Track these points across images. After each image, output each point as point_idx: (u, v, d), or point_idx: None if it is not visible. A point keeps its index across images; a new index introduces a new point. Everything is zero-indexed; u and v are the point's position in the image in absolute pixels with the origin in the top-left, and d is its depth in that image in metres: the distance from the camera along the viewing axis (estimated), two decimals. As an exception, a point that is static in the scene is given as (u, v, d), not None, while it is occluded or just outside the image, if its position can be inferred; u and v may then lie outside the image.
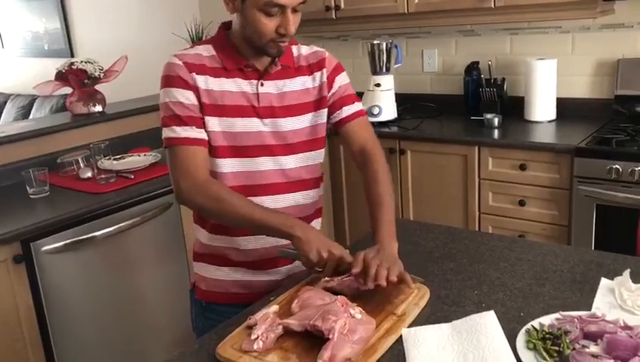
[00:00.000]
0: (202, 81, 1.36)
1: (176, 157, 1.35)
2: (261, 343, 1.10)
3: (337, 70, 1.51)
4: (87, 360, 2.19)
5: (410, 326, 1.16)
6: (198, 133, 1.35)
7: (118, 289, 2.27)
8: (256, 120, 1.39)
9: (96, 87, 2.95)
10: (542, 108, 2.88)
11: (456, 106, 3.19)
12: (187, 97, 1.35)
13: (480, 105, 3.02)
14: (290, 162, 1.44)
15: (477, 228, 2.80)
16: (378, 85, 3.14)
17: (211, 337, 1.19)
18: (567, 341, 1.01)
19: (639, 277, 1.25)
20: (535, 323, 1.11)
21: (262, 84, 1.40)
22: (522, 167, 2.60)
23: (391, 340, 1.12)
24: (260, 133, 1.40)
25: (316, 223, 1.55)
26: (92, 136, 2.77)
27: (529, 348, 1.04)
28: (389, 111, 3.15)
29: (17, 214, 2.15)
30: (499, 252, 1.50)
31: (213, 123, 1.37)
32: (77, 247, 2.12)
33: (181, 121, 1.34)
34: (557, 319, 1.11)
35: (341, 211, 3.30)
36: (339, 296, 1.18)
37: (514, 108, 2.98)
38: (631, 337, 0.98)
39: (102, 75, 2.89)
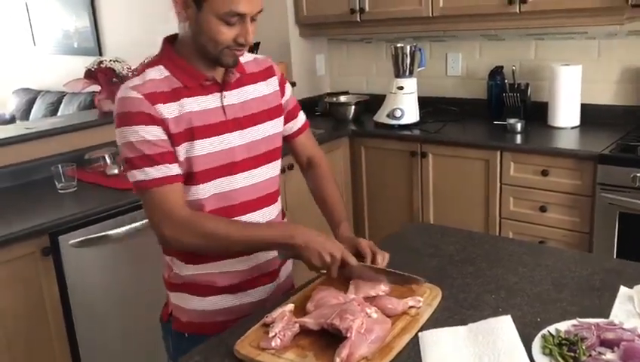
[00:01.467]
0: (167, 110, 1.27)
1: (152, 201, 1.27)
2: (279, 341, 1.12)
3: (283, 77, 1.52)
4: (108, 350, 2.24)
5: (423, 325, 1.18)
6: (172, 170, 1.27)
7: (139, 284, 2.31)
8: (226, 135, 1.33)
9: (124, 85, 3.01)
10: (566, 114, 2.87)
11: (478, 110, 3.19)
12: (154, 133, 1.25)
13: (503, 110, 3.01)
14: (260, 174, 1.41)
15: (497, 233, 2.79)
16: (401, 88, 3.15)
17: (229, 334, 1.22)
18: (584, 347, 1.01)
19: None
20: (552, 328, 1.11)
21: (224, 96, 1.35)
22: (544, 173, 2.60)
23: (406, 339, 1.14)
24: (231, 150, 1.34)
25: None
26: (119, 133, 2.83)
27: (545, 354, 1.05)
28: (411, 114, 3.15)
29: (46, 208, 2.21)
30: (518, 257, 1.50)
31: (187, 150, 1.29)
32: (102, 241, 2.17)
33: (152, 161, 1.25)
34: (574, 325, 1.11)
35: (361, 213, 3.32)
36: (355, 296, 1.20)
37: (537, 113, 2.97)
38: (647, 345, 0.98)
39: (129, 73, 2.95)
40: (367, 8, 3.25)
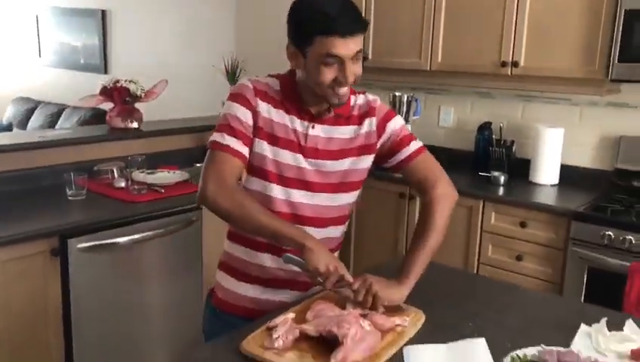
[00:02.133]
0: (264, 107, 1.48)
1: (213, 160, 1.45)
2: (281, 342, 1.27)
3: (387, 117, 1.60)
4: (102, 352, 2.34)
5: (408, 341, 1.34)
6: (242, 148, 1.46)
7: (136, 292, 2.44)
8: (299, 156, 1.51)
9: (136, 105, 3.18)
10: (546, 172, 3.08)
11: (465, 161, 3.40)
12: (245, 115, 1.47)
13: (489, 163, 3.22)
14: (325, 200, 1.55)
15: (475, 277, 2.97)
16: (395, 133, 3.35)
17: (236, 335, 1.36)
18: (545, 368, 1.18)
19: (615, 327, 1.42)
20: (520, 352, 1.28)
21: (312, 127, 1.51)
22: (522, 225, 2.79)
23: (392, 351, 1.29)
24: (301, 169, 1.51)
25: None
26: (126, 149, 2.98)
27: (512, 371, 1.21)
28: (403, 158, 3.35)
29: (56, 212, 2.34)
30: (495, 295, 1.68)
31: (264, 147, 1.49)
32: (107, 248, 2.30)
33: (231, 132, 1.46)
34: (539, 351, 1.28)
35: (348, 247, 3.47)
36: (351, 310, 1.36)
37: (521, 169, 3.18)
38: (599, 370, 1.15)
39: (142, 94, 3.12)
40: (370, 56, 3.49)
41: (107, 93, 3.07)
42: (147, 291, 2.50)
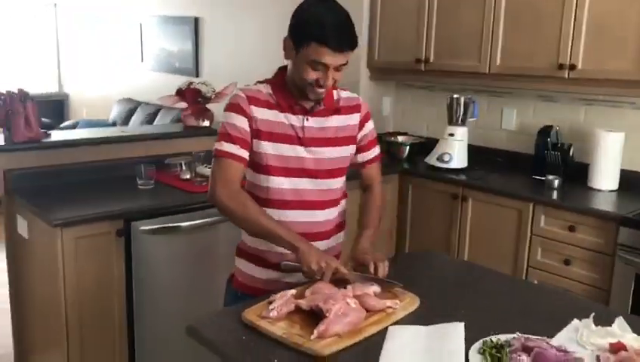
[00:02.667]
0: (258, 112, 1.69)
1: (218, 166, 1.68)
2: (275, 313, 1.44)
3: (368, 116, 1.87)
4: (159, 328, 2.61)
5: (395, 322, 1.46)
6: (241, 152, 1.67)
7: (193, 273, 2.69)
8: (299, 147, 1.72)
9: (208, 105, 3.46)
10: (605, 177, 3.01)
11: (524, 164, 3.38)
12: (241, 122, 1.67)
13: (544, 167, 3.19)
14: (324, 184, 1.76)
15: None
16: (452, 135, 3.41)
17: (242, 306, 1.53)
18: (508, 351, 1.26)
19: (608, 324, 1.45)
20: (494, 337, 1.36)
21: (307, 120, 1.73)
22: (571, 229, 2.76)
23: (376, 328, 1.42)
24: (301, 159, 1.72)
25: (339, 236, 1.88)
26: (197, 145, 3.25)
27: (479, 353, 1.30)
28: (459, 160, 3.40)
29: (125, 198, 2.64)
30: (500, 287, 1.74)
31: (266, 147, 1.69)
32: (167, 231, 2.56)
33: (229, 139, 1.67)
34: (514, 337, 1.35)
35: (403, 247, 3.57)
36: (341, 289, 1.50)
37: (579, 173, 3.12)
38: (557, 355, 1.21)
39: (213, 95, 3.39)
40: (431, 59, 3.56)
41: (182, 93, 3.37)
42: (203, 273, 2.74)
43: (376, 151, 1.92)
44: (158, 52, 6.61)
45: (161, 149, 3.19)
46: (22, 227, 2.66)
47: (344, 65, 1.64)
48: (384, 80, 4.06)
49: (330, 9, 1.63)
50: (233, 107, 1.70)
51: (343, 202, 1.88)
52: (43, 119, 6.57)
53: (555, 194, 2.97)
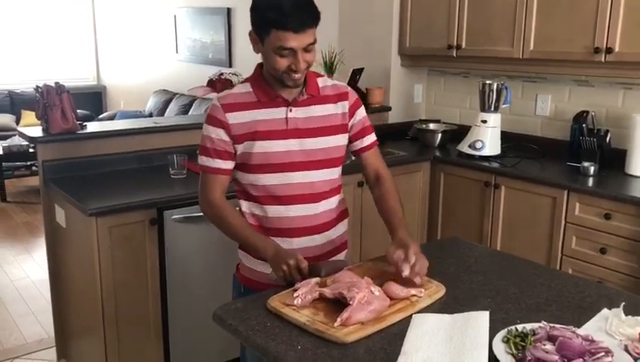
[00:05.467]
0: (236, 117, 1.66)
1: (200, 181, 1.74)
2: (300, 300, 1.45)
3: (357, 103, 1.81)
4: (192, 314, 2.67)
5: (420, 311, 1.45)
6: (217, 164, 1.68)
7: (223, 260, 2.72)
8: (286, 141, 1.68)
9: (238, 95, 3.49)
10: (643, 163, 2.93)
11: (560, 151, 3.31)
12: (217, 134, 1.67)
13: (580, 153, 3.12)
14: (315, 176, 1.73)
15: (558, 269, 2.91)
16: (484, 122, 3.36)
17: (265, 294, 1.55)
18: (532, 339, 1.24)
19: (635, 313, 1.42)
20: (520, 326, 1.34)
21: (290, 110, 1.69)
22: (607, 216, 2.70)
23: (400, 316, 1.42)
24: (288, 153, 1.68)
25: (343, 224, 1.87)
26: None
27: (503, 341, 1.28)
28: (492, 147, 3.35)
29: (158, 187, 2.70)
30: (527, 276, 1.71)
31: (251, 147, 1.66)
32: (198, 220, 2.60)
33: (207, 153, 1.69)
34: (539, 326, 1.33)
35: (435, 234, 3.55)
36: (365, 277, 1.50)
37: (615, 160, 3.04)
38: (583, 344, 1.19)
39: (243, 85, 3.41)
40: (463, 45, 3.51)
41: (212, 84, 3.40)
42: (232, 260, 2.77)
43: (372, 138, 1.86)
44: (192, 43, 6.69)
45: (193, 139, 3.18)
46: (60, 216, 2.74)
47: (312, 44, 1.58)
48: (415, 67, 4.02)
49: None
50: (209, 119, 1.70)
51: (340, 192, 1.85)
52: (82, 111, 6.76)
53: (590, 182, 2.90)
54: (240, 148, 1.68)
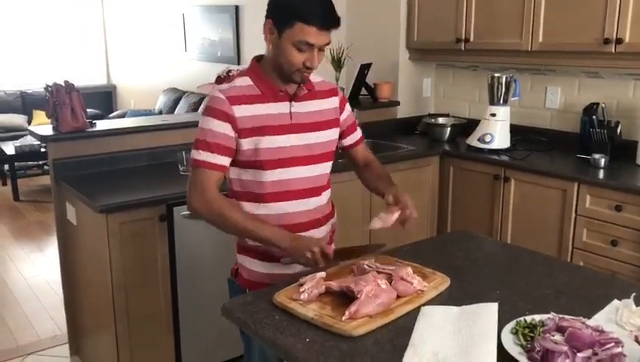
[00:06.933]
0: (241, 110, 1.62)
1: (194, 176, 1.64)
2: (306, 295, 1.45)
3: (344, 100, 1.87)
4: (202, 309, 2.68)
5: (426, 303, 1.45)
6: (218, 160, 1.62)
7: (231, 256, 2.73)
8: (289, 135, 1.68)
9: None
10: (654, 155, 2.90)
11: (570, 143, 3.28)
12: (222, 128, 1.61)
13: (590, 145, 3.09)
14: (315, 170, 1.74)
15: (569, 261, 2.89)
16: (493, 115, 3.34)
17: (272, 289, 1.55)
18: (541, 330, 1.24)
19: (647, 303, 1.41)
20: (528, 317, 1.33)
21: (293, 105, 1.70)
22: (618, 208, 2.68)
23: (407, 309, 1.42)
24: (293, 148, 1.69)
25: (334, 218, 1.88)
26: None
27: (512, 333, 1.28)
28: (501, 140, 3.33)
29: (167, 184, 2.71)
30: (535, 268, 1.71)
31: (255, 143, 1.64)
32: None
33: (207, 147, 1.61)
34: (548, 318, 1.32)
35: (444, 228, 3.53)
36: (371, 271, 1.50)
37: (626, 151, 3.02)
38: (592, 335, 1.18)
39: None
40: (471, 38, 3.49)
41: (221, 81, 3.40)
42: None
43: (359, 132, 1.94)
44: (201, 41, 6.71)
45: (202, 136, 3.24)
46: (70, 214, 2.76)
47: (327, 44, 1.61)
48: (424, 61, 4.00)
49: None
50: (213, 111, 1.63)
51: (329, 189, 1.86)
52: (92, 110, 6.81)
53: (601, 174, 2.88)
54: (245, 143, 1.65)
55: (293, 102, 1.71)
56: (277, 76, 1.67)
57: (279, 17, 1.59)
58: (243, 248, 1.81)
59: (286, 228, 1.67)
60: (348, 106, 1.89)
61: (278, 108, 1.69)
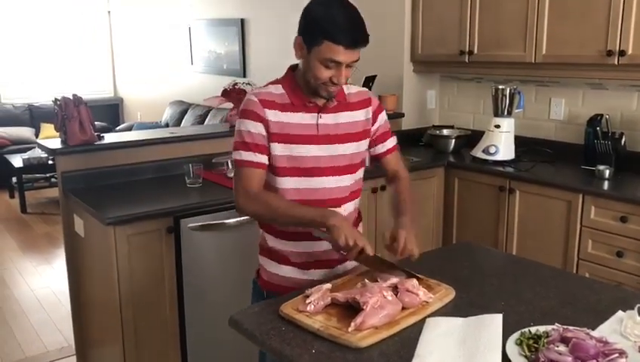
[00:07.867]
0: (272, 114, 1.68)
1: (238, 175, 1.70)
2: (312, 307, 1.47)
3: (380, 108, 1.86)
4: (209, 321, 2.69)
5: (431, 314, 1.46)
6: (259, 158, 1.68)
7: (238, 267, 2.75)
8: (315, 146, 1.71)
9: (252, 104, 3.53)
10: (660, 166, 2.91)
11: (574, 155, 3.30)
12: (257, 128, 1.67)
13: (595, 157, 3.10)
14: (339, 181, 1.76)
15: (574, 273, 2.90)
16: (498, 126, 3.36)
17: (279, 300, 1.57)
18: (545, 341, 1.25)
19: (653, 316, 1.41)
20: (533, 328, 1.34)
21: (320, 117, 1.72)
22: (623, 220, 2.68)
23: (412, 320, 1.43)
24: (317, 157, 1.72)
25: (358, 229, 1.88)
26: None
27: (517, 344, 1.29)
28: (506, 151, 3.35)
29: (175, 196, 2.73)
30: (542, 279, 1.72)
31: (278, 148, 1.68)
32: (214, 228, 2.64)
33: (247, 147, 1.67)
34: (553, 328, 1.33)
35: (450, 240, 3.54)
36: (376, 283, 1.51)
37: (631, 163, 3.03)
38: (596, 346, 1.19)
39: (257, 94, 3.45)
40: (475, 51, 3.52)
41: (227, 94, 3.45)
42: (248, 267, 2.78)
43: (393, 141, 1.92)
44: (207, 54, 6.76)
45: (208, 149, 3.27)
46: (78, 226, 2.79)
47: (356, 61, 1.64)
48: (428, 73, 4.03)
49: (342, 6, 1.62)
50: (247, 113, 1.69)
51: (358, 198, 1.87)
52: (99, 123, 6.87)
53: (605, 185, 2.89)
54: (271, 147, 1.70)
55: (321, 114, 1.73)
56: (307, 88, 1.70)
57: (308, 35, 1.63)
58: (263, 249, 1.85)
59: (302, 237, 1.73)
60: (382, 115, 1.87)
61: (305, 119, 1.72)
